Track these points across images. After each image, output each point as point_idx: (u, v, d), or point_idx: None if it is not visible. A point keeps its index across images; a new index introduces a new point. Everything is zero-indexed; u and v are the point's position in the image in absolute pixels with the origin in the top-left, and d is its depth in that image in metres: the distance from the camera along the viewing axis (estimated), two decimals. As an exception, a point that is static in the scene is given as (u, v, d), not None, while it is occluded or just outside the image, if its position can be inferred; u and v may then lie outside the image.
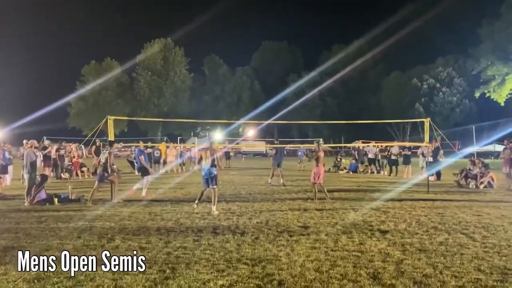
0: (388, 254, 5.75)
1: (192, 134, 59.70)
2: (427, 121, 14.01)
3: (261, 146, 53.94)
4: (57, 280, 4.73)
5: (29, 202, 10.46)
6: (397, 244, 6.34)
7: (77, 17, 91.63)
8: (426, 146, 15.95)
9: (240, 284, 4.59)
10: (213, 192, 9.19)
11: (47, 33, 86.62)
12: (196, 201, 9.59)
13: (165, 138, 37.05)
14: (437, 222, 8.02)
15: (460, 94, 59.22)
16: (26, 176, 11.30)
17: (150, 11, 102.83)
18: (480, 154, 34.01)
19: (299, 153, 27.58)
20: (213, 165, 9.28)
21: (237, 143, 44.79)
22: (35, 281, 4.71)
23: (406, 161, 19.62)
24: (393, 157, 20.41)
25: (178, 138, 44.79)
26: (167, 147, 23.17)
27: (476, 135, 32.50)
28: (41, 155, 16.47)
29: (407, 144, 22.18)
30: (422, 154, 18.66)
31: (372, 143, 24.49)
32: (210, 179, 9.23)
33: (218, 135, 42.82)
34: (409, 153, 19.92)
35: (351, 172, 22.54)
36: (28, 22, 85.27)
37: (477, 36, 48.32)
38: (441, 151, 17.11)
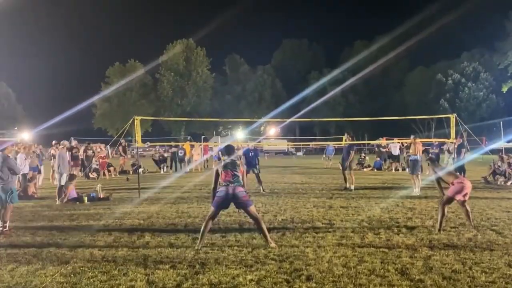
0: (416, 250, 5.74)
1: (214, 133, 60.13)
2: (453, 117, 13.79)
3: (283, 145, 53.98)
4: (92, 274, 4.90)
5: (61, 201, 10.80)
6: (425, 240, 6.31)
7: (101, 20, 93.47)
8: (452, 142, 15.68)
9: (269, 278, 4.67)
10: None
11: (73, 37, 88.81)
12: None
13: (189, 137, 37.44)
14: (465, 218, 7.91)
15: (487, 89, 57.81)
16: (57, 176, 11.67)
17: (172, 13, 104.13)
18: (509, 150, 33.16)
19: (328, 150, 27.08)
20: None
21: (259, 142, 44.87)
22: (72, 275, 4.90)
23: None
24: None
25: (202, 137, 45.22)
26: (192, 146, 23.46)
27: (503, 130, 31.69)
28: (69, 155, 16.91)
29: (434, 141, 21.71)
30: (448, 150, 18.32)
31: (396, 140, 24.17)
32: None
33: (240, 134, 43.05)
34: (437, 150, 19.38)
35: (375, 170, 22.36)
36: (53, 27, 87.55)
37: (504, 30, 47.12)
38: (464, 149, 16.53)
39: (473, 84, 57.64)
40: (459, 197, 6.92)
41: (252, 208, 6.09)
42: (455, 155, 15.96)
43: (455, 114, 14.20)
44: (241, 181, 6.17)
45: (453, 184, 7.01)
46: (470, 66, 58.37)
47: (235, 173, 6.11)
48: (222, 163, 6.22)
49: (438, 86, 59.20)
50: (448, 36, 63.72)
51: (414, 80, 64.63)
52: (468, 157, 18.09)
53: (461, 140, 16.27)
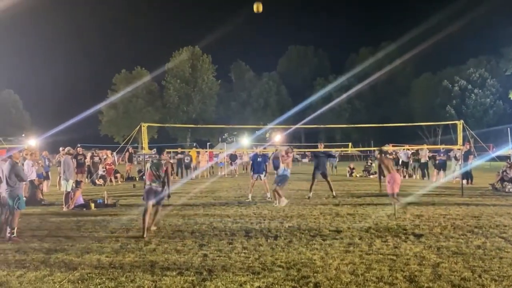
0: (424, 258, 5.69)
1: (220, 140, 60.20)
2: (460, 123, 13.74)
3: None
4: (99, 281, 4.90)
5: (67, 207, 10.83)
6: (433, 247, 6.26)
7: (108, 28, 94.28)
8: (459, 149, 15.59)
9: (276, 286, 4.65)
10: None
11: (80, 45, 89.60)
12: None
13: (195, 144, 37.51)
14: (473, 225, 7.86)
15: (493, 95, 57.62)
16: (63, 182, 11.71)
17: (178, 20, 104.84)
18: (516, 156, 32.87)
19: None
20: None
21: (264, 148, 44.77)
22: (79, 281, 4.90)
23: (440, 166, 18.95)
24: (423, 160, 20.04)
25: (208, 144, 45.27)
26: (198, 153, 23.50)
27: (511, 136, 31.43)
28: (75, 162, 16.99)
29: (441, 147, 21.58)
30: (455, 157, 18.19)
31: (406, 147, 24.06)
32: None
33: (245, 141, 43.06)
34: (445, 158, 19.24)
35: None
36: (61, 35, 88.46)
37: (510, 36, 46.95)
38: (471, 156, 16.39)
39: (480, 91, 57.42)
40: (397, 189, 9.15)
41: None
42: (462, 161, 15.87)
43: (462, 121, 14.15)
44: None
45: (389, 183, 9.15)
46: (476, 73, 58.21)
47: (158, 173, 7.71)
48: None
49: (444, 93, 59.05)
50: (454, 42, 63.64)
51: (420, 86, 64.49)
52: (475, 163, 17.97)
53: (468, 147, 16.18)
